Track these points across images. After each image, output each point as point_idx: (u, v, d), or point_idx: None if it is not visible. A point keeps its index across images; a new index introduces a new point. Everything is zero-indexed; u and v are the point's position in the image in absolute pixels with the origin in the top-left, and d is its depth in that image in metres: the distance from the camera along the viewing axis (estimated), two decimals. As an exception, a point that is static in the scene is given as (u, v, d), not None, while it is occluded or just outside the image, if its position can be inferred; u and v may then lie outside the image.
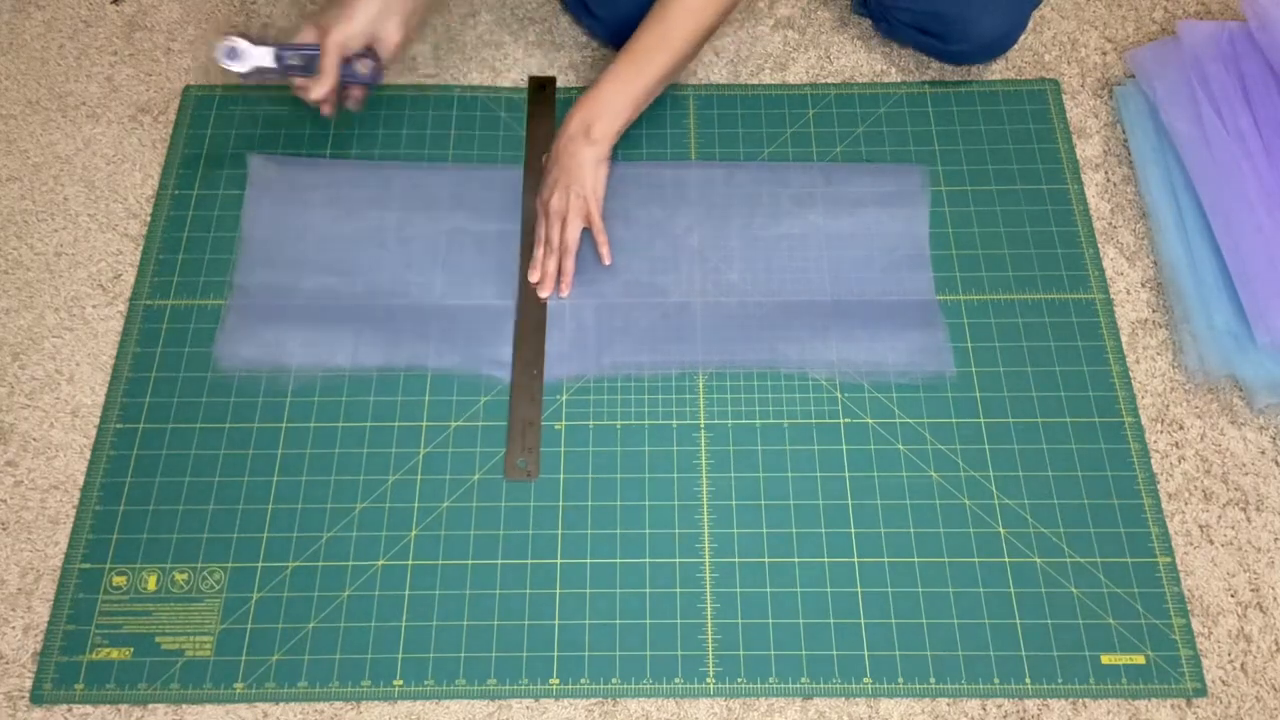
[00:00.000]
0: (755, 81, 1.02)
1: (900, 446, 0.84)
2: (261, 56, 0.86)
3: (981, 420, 0.85)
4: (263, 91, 1.01)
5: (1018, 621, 0.77)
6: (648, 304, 0.90)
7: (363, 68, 0.88)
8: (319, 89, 0.86)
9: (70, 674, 0.76)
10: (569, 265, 0.88)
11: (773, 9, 1.07)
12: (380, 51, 0.89)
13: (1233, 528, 0.82)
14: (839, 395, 0.86)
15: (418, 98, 1.01)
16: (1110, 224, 0.95)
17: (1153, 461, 0.84)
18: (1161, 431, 0.85)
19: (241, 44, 0.85)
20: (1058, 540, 0.80)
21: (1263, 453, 0.84)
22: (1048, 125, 0.99)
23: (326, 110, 0.90)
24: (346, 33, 0.85)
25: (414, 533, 0.81)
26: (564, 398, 0.86)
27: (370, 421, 0.85)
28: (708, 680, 0.76)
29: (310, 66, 0.87)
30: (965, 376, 0.87)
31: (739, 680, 0.76)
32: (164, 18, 1.07)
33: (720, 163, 0.97)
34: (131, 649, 0.76)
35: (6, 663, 0.77)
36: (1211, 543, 0.81)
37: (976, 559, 0.80)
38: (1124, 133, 0.99)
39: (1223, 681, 0.76)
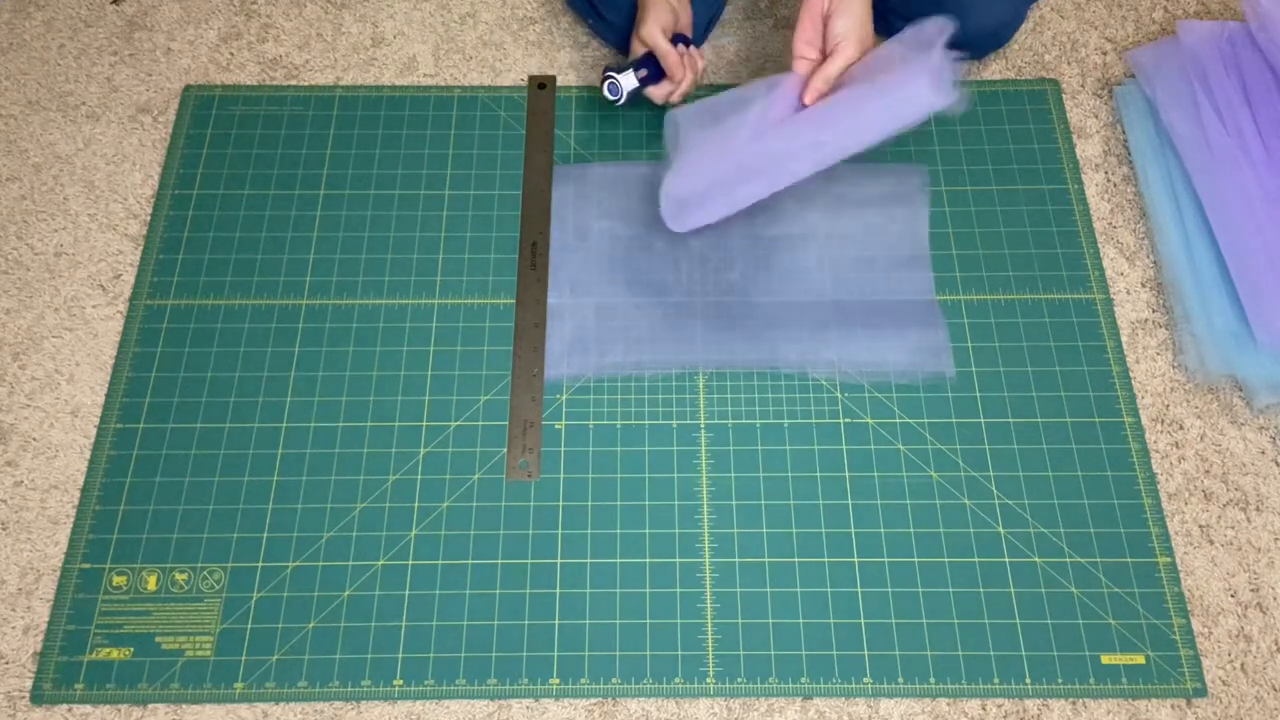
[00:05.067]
0: (755, 81, 1.02)
1: (900, 446, 0.84)
2: (629, 81, 0.92)
3: (981, 420, 0.85)
4: (262, 91, 1.01)
5: (1018, 621, 0.77)
6: (648, 304, 0.90)
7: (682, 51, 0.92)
8: (675, 74, 0.90)
9: (70, 674, 0.76)
10: None
11: (773, 9, 1.07)
12: (684, 29, 0.92)
13: (1233, 528, 0.82)
14: (839, 395, 0.86)
15: (418, 98, 1.01)
16: (1110, 224, 0.95)
17: (1153, 461, 0.84)
18: (1161, 431, 0.85)
19: (616, 78, 0.92)
20: (1058, 540, 0.80)
21: (1263, 453, 0.84)
22: (1048, 125, 0.99)
23: (678, 97, 0.93)
24: (658, 21, 0.89)
25: (414, 533, 0.81)
26: (564, 398, 0.86)
27: (370, 421, 0.85)
28: (708, 680, 0.76)
29: (657, 71, 0.92)
30: (965, 376, 0.87)
31: (739, 680, 0.76)
32: (164, 18, 1.07)
33: (720, 163, 0.97)
34: (131, 649, 0.76)
35: (6, 663, 0.77)
36: (1211, 543, 0.81)
37: (976, 559, 0.80)
38: (1124, 133, 0.99)
39: (1223, 681, 0.76)
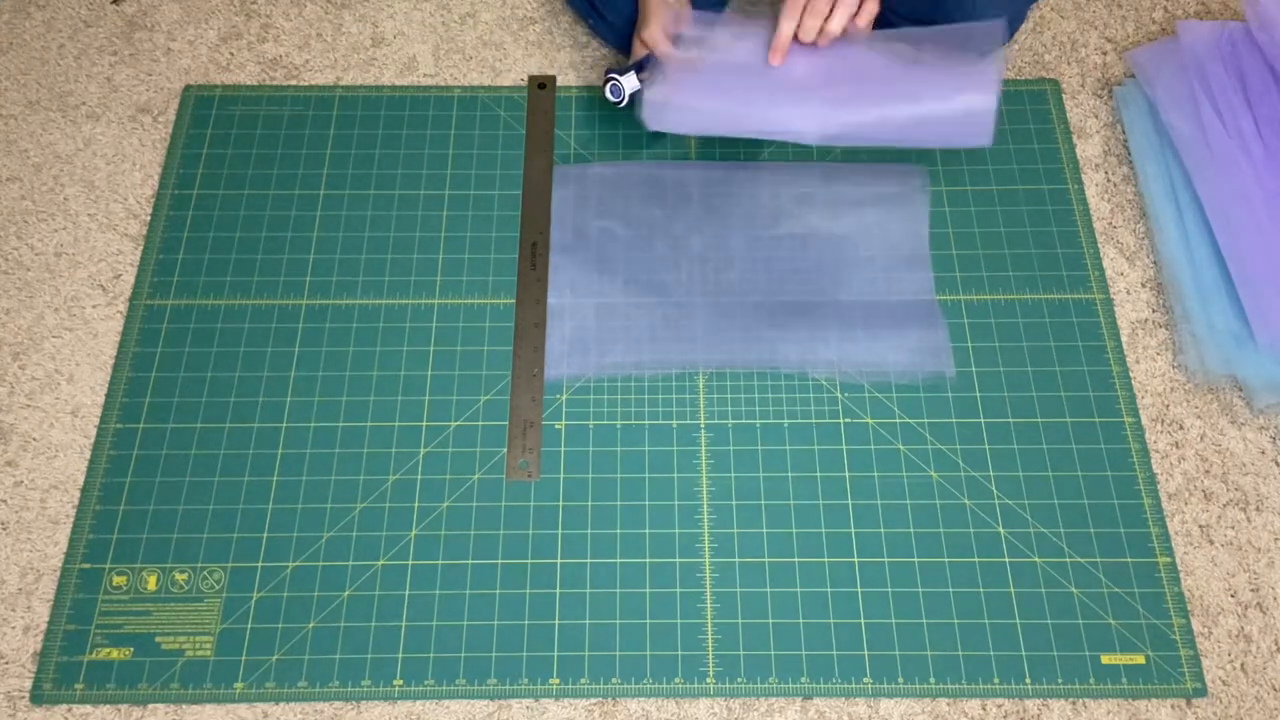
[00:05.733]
0: (755, 81, 1.02)
1: (900, 446, 0.84)
2: (630, 83, 0.92)
3: (981, 420, 0.85)
4: (262, 91, 1.01)
5: (1018, 621, 0.77)
6: (648, 304, 0.90)
7: None
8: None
9: (70, 674, 0.76)
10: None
11: (773, 9, 1.07)
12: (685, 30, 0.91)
13: (1233, 528, 0.82)
14: (839, 395, 0.86)
15: (418, 98, 1.01)
16: (1110, 224, 0.95)
17: (1153, 461, 0.84)
18: (1161, 431, 0.85)
19: (618, 79, 0.92)
20: (1058, 540, 0.80)
21: (1263, 453, 0.84)
22: (1048, 125, 0.99)
23: None
24: (660, 23, 0.88)
25: (414, 533, 0.81)
26: (564, 398, 0.86)
27: (370, 421, 0.85)
28: (708, 680, 0.76)
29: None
30: (965, 376, 0.87)
31: (739, 680, 0.76)
32: (164, 18, 1.07)
33: (720, 163, 0.97)
34: (131, 649, 0.76)
35: (6, 663, 0.77)
36: (1211, 543, 0.81)
37: (976, 559, 0.80)
38: (1124, 133, 0.99)
39: (1223, 681, 0.76)
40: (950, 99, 0.80)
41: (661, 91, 0.86)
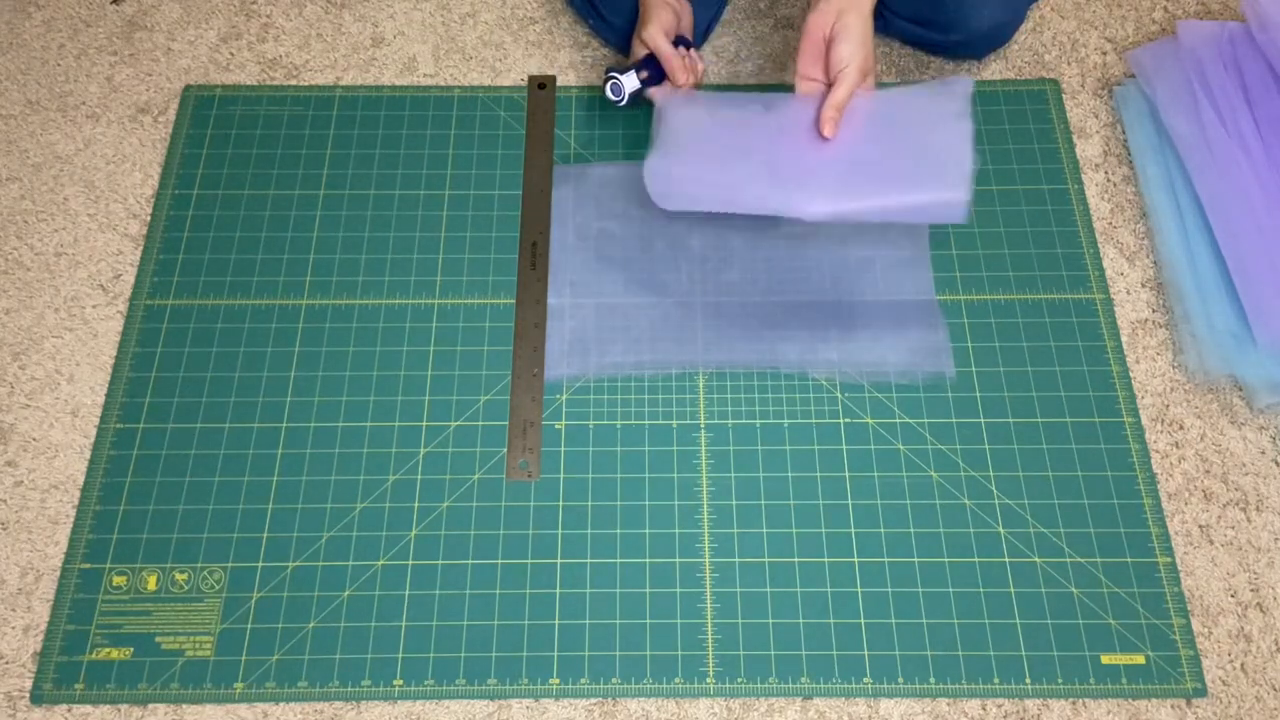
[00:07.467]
0: (755, 81, 1.02)
1: (900, 446, 0.84)
2: (631, 83, 0.92)
3: (981, 420, 0.85)
4: (262, 91, 1.01)
5: (1018, 621, 0.77)
6: (648, 304, 0.90)
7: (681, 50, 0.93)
8: (678, 76, 0.90)
9: (70, 674, 0.76)
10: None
11: (773, 9, 1.07)
12: (684, 31, 0.94)
13: (1233, 528, 0.82)
14: (839, 395, 0.86)
15: (418, 98, 1.01)
16: (1110, 224, 0.95)
17: (1153, 461, 0.84)
18: (1161, 431, 0.85)
19: (619, 78, 0.93)
20: (1058, 540, 0.80)
21: (1263, 453, 0.84)
22: (1048, 125, 0.99)
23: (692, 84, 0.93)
24: (660, 24, 0.90)
25: (414, 533, 0.81)
26: (564, 398, 0.86)
27: (370, 421, 0.85)
28: (708, 680, 0.76)
29: (658, 72, 0.92)
30: (965, 376, 0.87)
31: (739, 680, 0.76)
32: (164, 18, 1.07)
33: (720, 163, 0.97)
34: (131, 649, 0.76)
35: (6, 663, 0.77)
36: (1211, 543, 0.81)
37: (976, 559, 0.80)
38: (1124, 133, 0.99)
39: (1223, 681, 0.76)
40: (930, 191, 0.82)
41: (663, 162, 0.85)
